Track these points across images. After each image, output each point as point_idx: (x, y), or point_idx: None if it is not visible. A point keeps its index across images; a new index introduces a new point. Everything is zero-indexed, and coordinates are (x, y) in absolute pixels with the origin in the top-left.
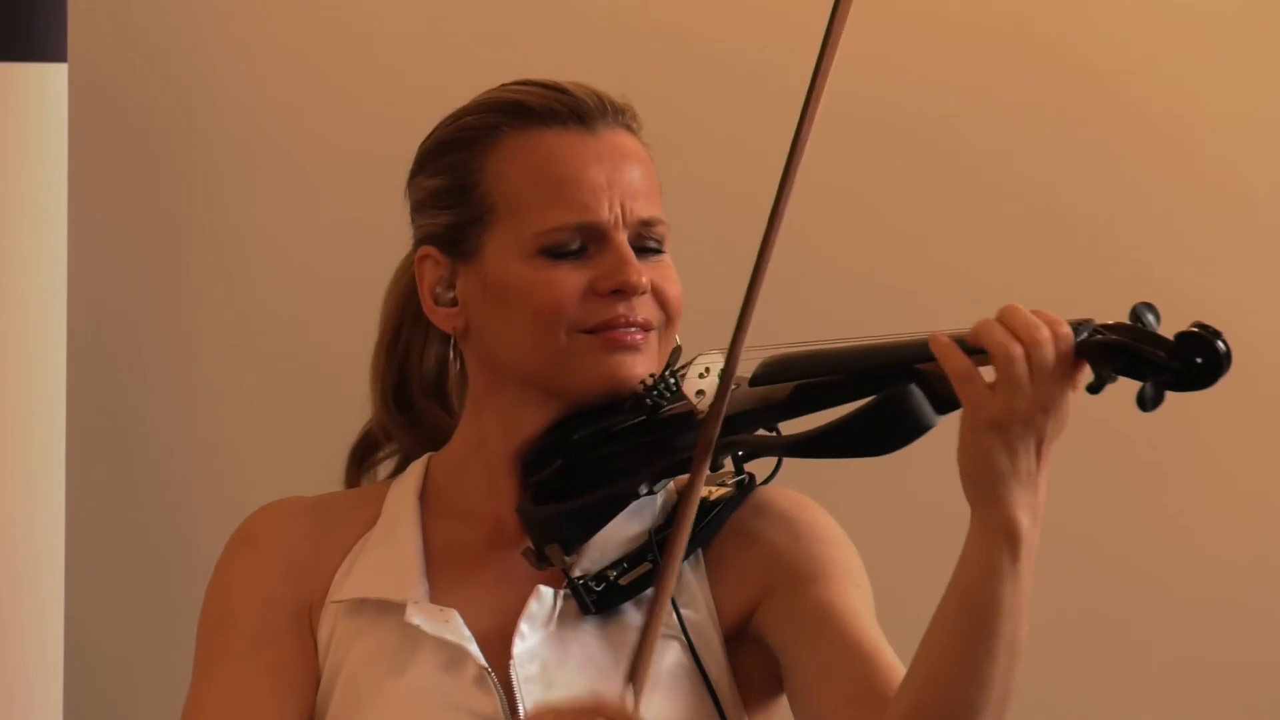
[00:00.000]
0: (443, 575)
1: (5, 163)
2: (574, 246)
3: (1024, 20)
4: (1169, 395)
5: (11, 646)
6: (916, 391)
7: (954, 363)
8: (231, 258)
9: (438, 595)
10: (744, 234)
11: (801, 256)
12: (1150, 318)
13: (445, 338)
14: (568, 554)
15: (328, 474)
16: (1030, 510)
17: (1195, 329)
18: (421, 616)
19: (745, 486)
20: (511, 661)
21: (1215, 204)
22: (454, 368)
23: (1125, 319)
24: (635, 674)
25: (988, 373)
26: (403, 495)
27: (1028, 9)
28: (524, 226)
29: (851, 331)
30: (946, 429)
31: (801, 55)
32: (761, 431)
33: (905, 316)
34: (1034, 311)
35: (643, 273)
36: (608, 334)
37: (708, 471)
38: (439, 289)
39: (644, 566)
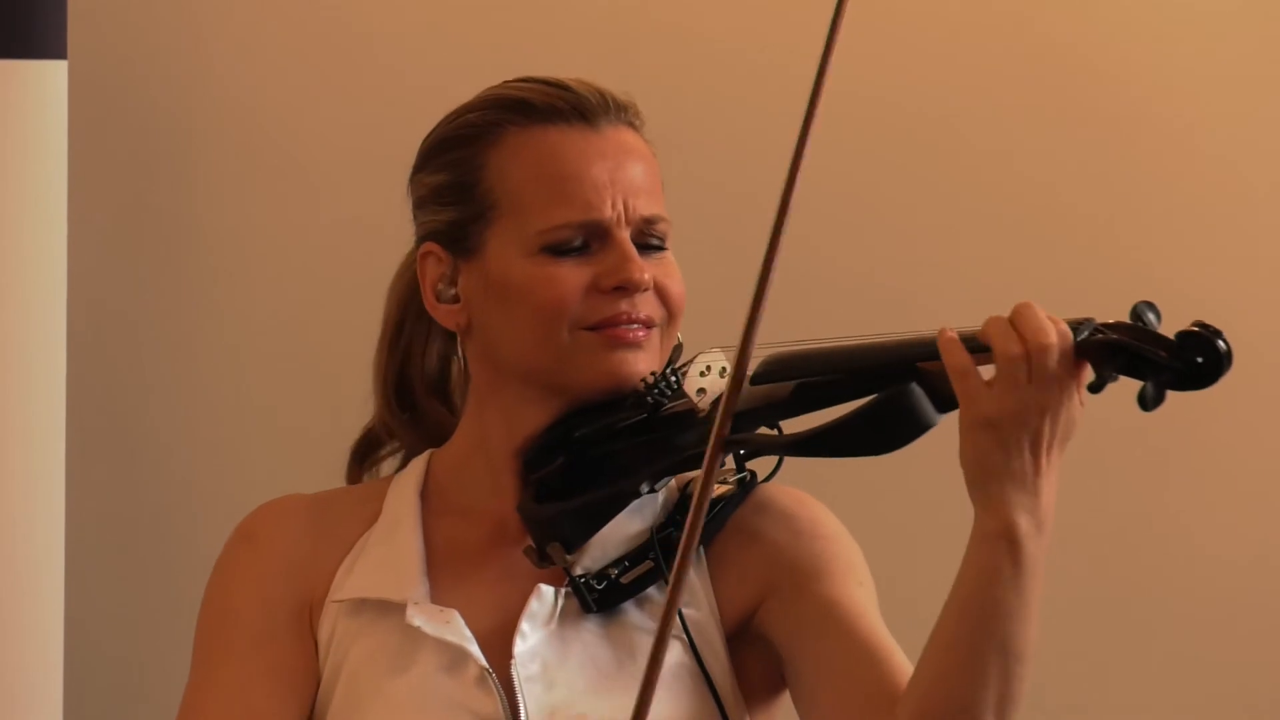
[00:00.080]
0: (444, 574)
1: (5, 160)
2: (576, 244)
3: (1025, 20)
4: (1170, 394)
5: (11, 646)
6: (918, 390)
7: (953, 357)
8: (231, 256)
9: (438, 594)
10: (745, 233)
11: (803, 255)
12: (1151, 317)
13: (447, 335)
14: (569, 552)
15: (328, 473)
16: (1030, 514)
17: (1196, 328)
18: (422, 618)
19: (747, 484)
20: (512, 661)
21: (1215, 203)
22: (456, 365)
23: (1126, 318)
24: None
25: (989, 371)
26: (404, 493)
27: (1028, 9)
28: (527, 224)
29: (853, 330)
30: (951, 427)
31: (804, 54)
32: (763, 430)
33: (906, 315)
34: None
35: (645, 270)
36: (610, 331)
37: (718, 472)
38: (441, 286)
39: (645, 565)
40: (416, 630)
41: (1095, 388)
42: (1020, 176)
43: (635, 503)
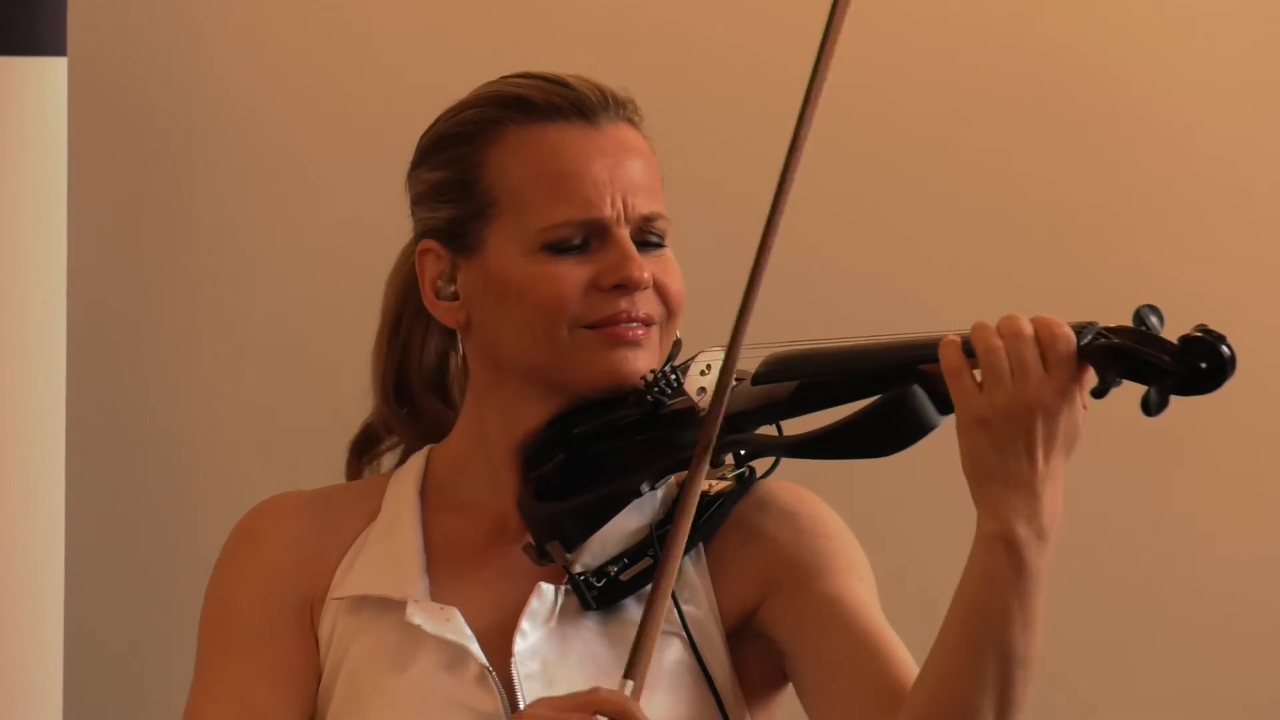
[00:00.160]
0: (443, 571)
1: (4, 157)
2: (576, 242)
3: (1025, 19)
4: (1173, 398)
5: (11, 645)
6: (919, 392)
7: (947, 358)
8: (231, 253)
9: (438, 591)
10: (746, 231)
11: (802, 254)
12: (1154, 320)
13: (446, 330)
14: (569, 551)
15: (328, 471)
16: (1029, 520)
17: (1199, 334)
18: (422, 616)
19: (745, 480)
20: (512, 659)
21: (1217, 203)
22: (454, 360)
23: (1129, 321)
24: (634, 665)
25: None
26: (403, 489)
27: (1029, 8)
28: (526, 222)
29: (852, 329)
30: (951, 428)
31: (803, 52)
32: (763, 430)
33: (906, 315)
34: (1036, 316)
35: (645, 268)
36: (609, 329)
37: (706, 469)
38: (440, 283)
39: (645, 562)
40: (416, 628)
41: (1098, 393)
42: (1022, 175)
43: (635, 500)
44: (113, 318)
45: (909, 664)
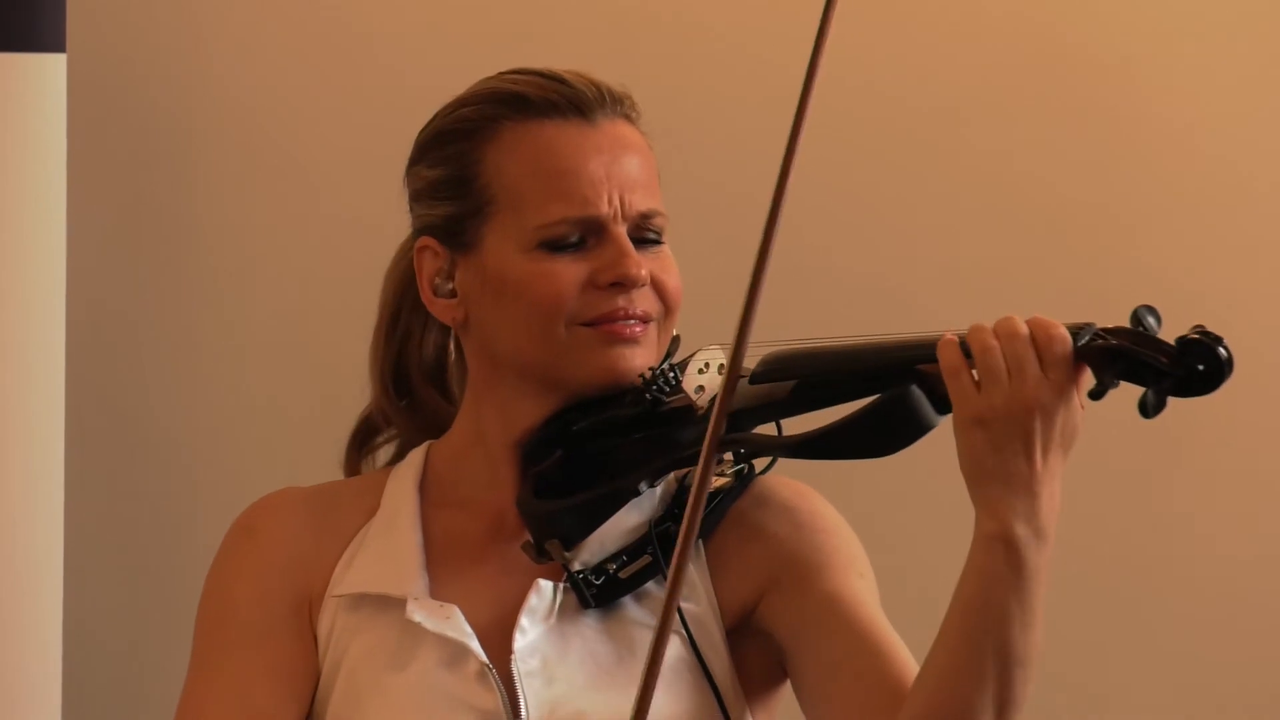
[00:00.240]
0: (442, 567)
1: (4, 154)
2: (573, 239)
3: (1025, 18)
4: (1170, 400)
5: (10, 643)
6: (918, 392)
7: (946, 357)
8: (231, 250)
9: (437, 588)
10: (746, 229)
11: (803, 253)
12: (1151, 321)
13: (444, 325)
14: (568, 549)
15: (328, 470)
16: (1027, 520)
17: (1197, 335)
18: (422, 613)
19: (745, 476)
20: (512, 656)
21: (1217, 203)
22: (452, 354)
23: (1126, 320)
24: (642, 704)
25: None
26: (402, 485)
27: (1028, 7)
28: (523, 220)
29: (852, 328)
30: (950, 427)
31: (802, 48)
32: (762, 429)
33: (906, 314)
34: (1032, 318)
35: (642, 265)
36: (607, 327)
37: (712, 471)
38: (438, 280)
39: (644, 559)
40: (416, 626)
41: (1096, 395)
42: (1022, 173)
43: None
44: (112, 315)
45: (909, 662)
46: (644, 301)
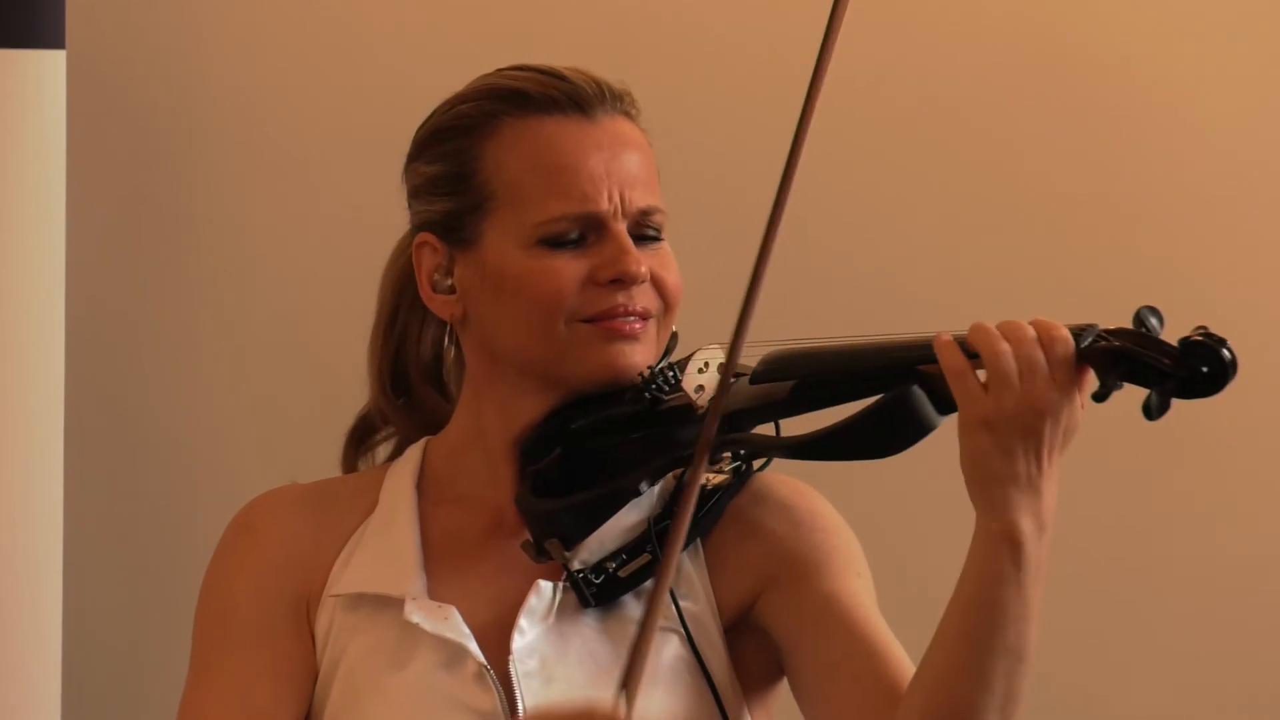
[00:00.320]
0: (441, 566)
1: (3, 151)
2: (573, 236)
3: (1025, 17)
4: (1174, 402)
5: (10, 643)
6: (919, 393)
7: (950, 360)
8: (230, 247)
9: (435, 587)
10: (747, 227)
11: (803, 252)
12: (1154, 321)
13: (442, 322)
14: (567, 549)
15: (327, 469)
16: (1033, 516)
17: (1200, 337)
18: (420, 614)
19: (743, 473)
20: (510, 657)
21: (1221, 202)
22: (451, 351)
23: (1129, 321)
24: (629, 680)
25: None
26: (400, 483)
27: (1030, 6)
28: (523, 216)
29: (852, 326)
30: (953, 426)
31: (807, 47)
32: (761, 429)
33: (906, 312)
34: (1035, 320)
35: (641, 261)
36: (606, 323)
37: (704, 470)
38: (437, 276)
39: (643, 558)
40: (414, 626)
41: (1099, 397)
42: (1025, 172)
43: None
44: (111, 313)
45: (905, 663)
46: (643, 298)
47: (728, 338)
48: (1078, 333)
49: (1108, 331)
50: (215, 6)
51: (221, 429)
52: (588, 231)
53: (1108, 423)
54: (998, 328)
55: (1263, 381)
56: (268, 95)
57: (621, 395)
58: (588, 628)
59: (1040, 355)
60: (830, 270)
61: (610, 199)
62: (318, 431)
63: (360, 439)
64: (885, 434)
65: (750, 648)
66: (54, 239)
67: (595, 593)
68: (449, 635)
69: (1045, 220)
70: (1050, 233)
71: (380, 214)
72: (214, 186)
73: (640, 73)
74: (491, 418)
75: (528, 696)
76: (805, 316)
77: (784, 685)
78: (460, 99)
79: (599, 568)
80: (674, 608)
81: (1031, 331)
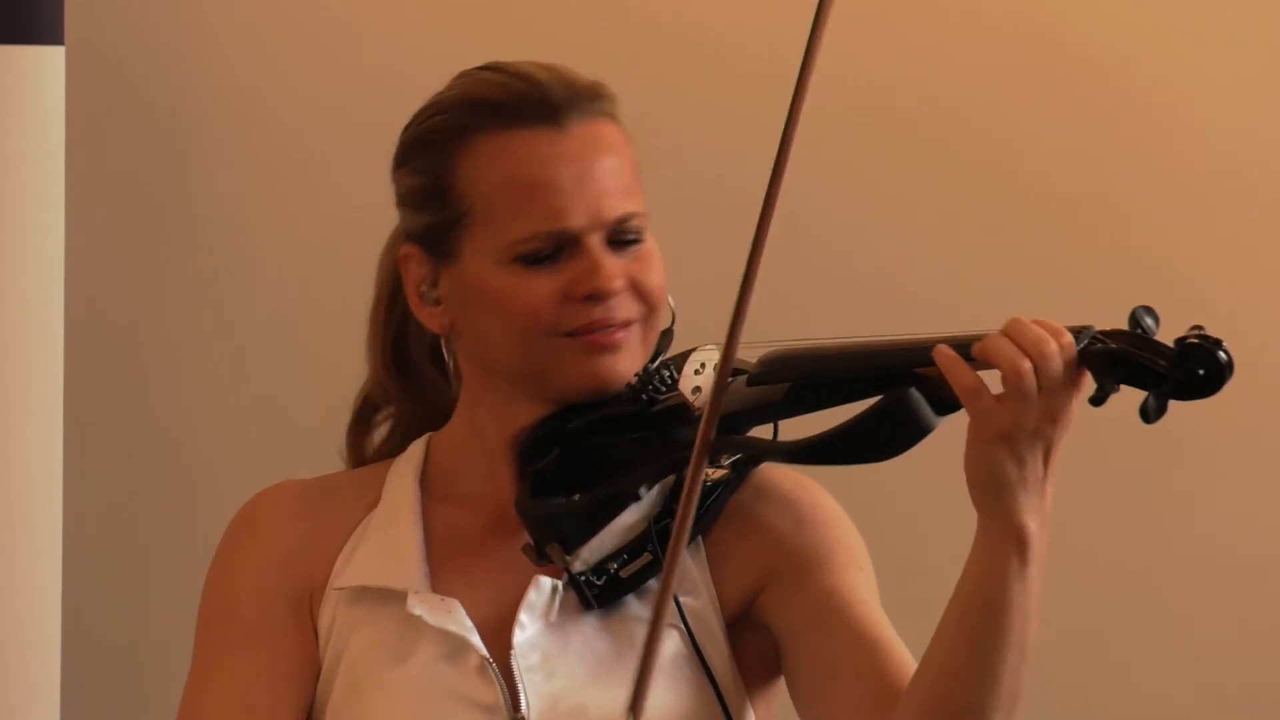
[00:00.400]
0: (443, 562)
1: (2, 148)
2: (547, 253)
3: (1025, 17)
4: (1170, 404)
5: (9, 642)
6: (916, 395)
7: (961, 379)
8: (230, 244)
9: (438, 582)
10: (744, 226)
11: (799, 251)
12: (1149, 321)
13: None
14: (568, 553)
15: (327, 466)
16: (1038, 515)
17: (1196, 339)
18: (423, 607)
19: (743, 468)
20: (512, 651)
21: (1217, 201)
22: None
23: (1124, 320)
24: (636, 702)
25: (989, 378)
26: (403, 478)
27: (1029, 6)
28: (497, 234)
29: (848, 325)
30: (950, 425)
31: (802, 44)
32: (757, 431)
33: (903, 311)
34: (1036, 321)
35: (615, 276)
36: (587, 337)
37: (702, 479)
38: (424, 288)
39: (644, 558)
40: (417, 619)
41: (1097, 401)
42: (1019, 172)
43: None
44: (110, 310)
45: (907, 659)
46: (623, 308)
47: (724, 337)
48: (1074, 335)
49: (1103, 333)
50: (215, 3)
51: (221, 429)
52: (562, 246)
53: (1106, 423)
54: (1013, 339)
55: (1261, 381)
56: (267, 92)
57: (618, 396)
58: (589, 625)
59: (1059, 368)
60: (827, 269)
61: (582, 213)
62: (318, 431)
63: (363, 420)
64: (883, 437)
65: (752, 642)
66: (53, 236)
67: (597, 594)
68: (451, 628)
69: (1043, 219)
70: (1049, 232)
71: (380, 212)
72: (214, 184)
73: (635, 70)
74: (488, 420)
75: (530, 690)
76: (802, 316)
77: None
78: (435, 108)
79: (600, 569)
80: (675, 604)
81: (1054, 346)
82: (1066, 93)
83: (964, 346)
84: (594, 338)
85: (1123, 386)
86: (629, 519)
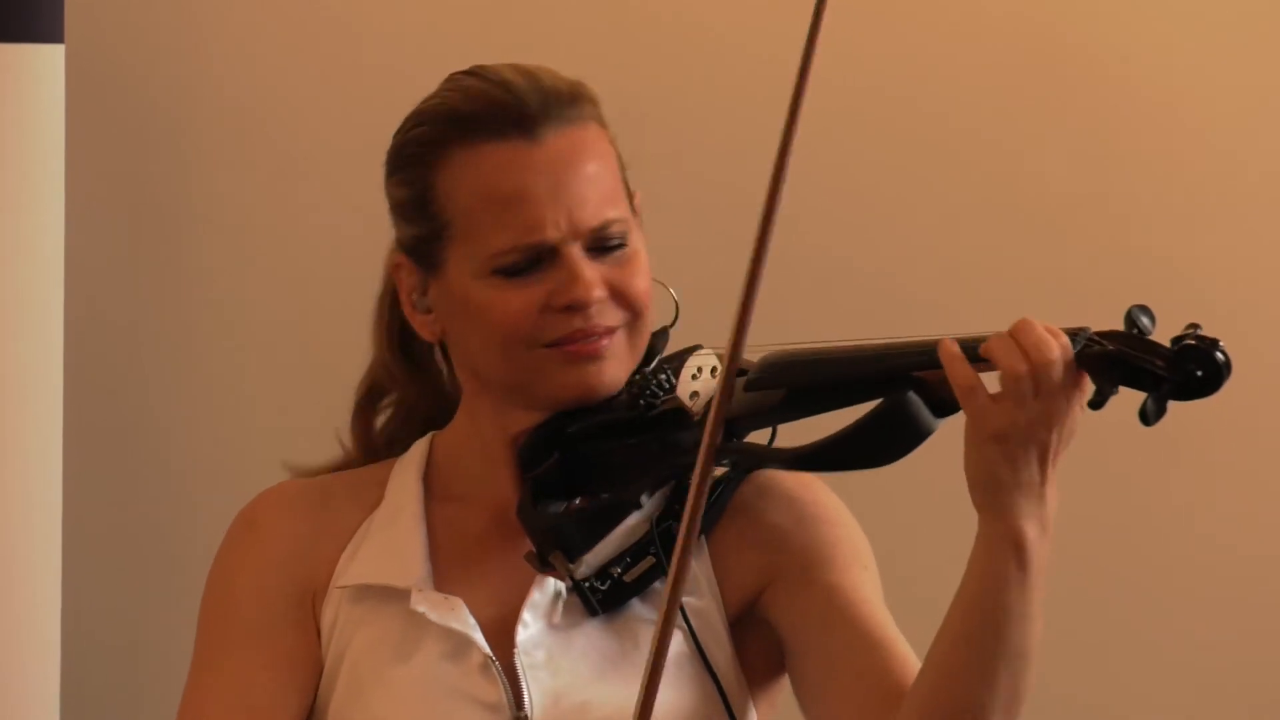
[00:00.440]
0: (446, 561)
1: (2, 146)
2: (525, 265)
3: (1025, 17)
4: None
5: (9, 642)
6: (915, 399)
7: (959, 375)
8: (229, 241)
9: (441, 581)
10: (744, 226)
11: (799, 253)
12: (1145, 321)
13: None
14: (571, 562)
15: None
16: (1037, 520)
17: (1192, 341)
18: (426, 605)
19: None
20: (516, 649)
21: (1216, 200)
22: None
23: (1120, 319)
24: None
25: (989, 380)
26: (406, 477)
27: (1029, 6)
28: (476, 247)
29: (847, 326)
30: (951, 425)
31: (801, 43)
32: (758, 434)
33: (902, 311)
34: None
35: (594, 285)
36: (569, 347)
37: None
38: (415, 296)
39: (647, 560)
40: (420, 617)
41: (1096, 404)
42: (1018, 172)
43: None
44: (110, 308)
45: (910, 658)
46: (605, 315)
47: (722, 338)
48: (1070, 336)
49: (1099, 334)
50: (215, 2)
51: (221, 429)
52: (541, 258)
53: (1104, 424)
54: (1017, 341)
55: (1259, 380)
56: (267, 91)
57: (616, 401)
58: (592, 626)
59: (1059, 375)
60: (826, 271)
61: (559, 224)
62: (318, 431)
63: (369, 404)
64: (883, 442)
65: (755, 640)
66: (53, 233)
67: (601, 599)
68: (455, 626)
69: (1043, 219)
70: (1048, 232)
71: (379, 212)
72: (213, 182)
73: (635, 70)
74: (487, 423)
75: (533, 688)
76: (801, 317)
77: (788, 677)
78: (417, 118)
79: (603, 573)
80: (678, 613)
81: (1055, 352)
82: (1066, 93)
83: (971, 346)
84: (576, 347)
85: (1121, 389)
86: (631, 521)
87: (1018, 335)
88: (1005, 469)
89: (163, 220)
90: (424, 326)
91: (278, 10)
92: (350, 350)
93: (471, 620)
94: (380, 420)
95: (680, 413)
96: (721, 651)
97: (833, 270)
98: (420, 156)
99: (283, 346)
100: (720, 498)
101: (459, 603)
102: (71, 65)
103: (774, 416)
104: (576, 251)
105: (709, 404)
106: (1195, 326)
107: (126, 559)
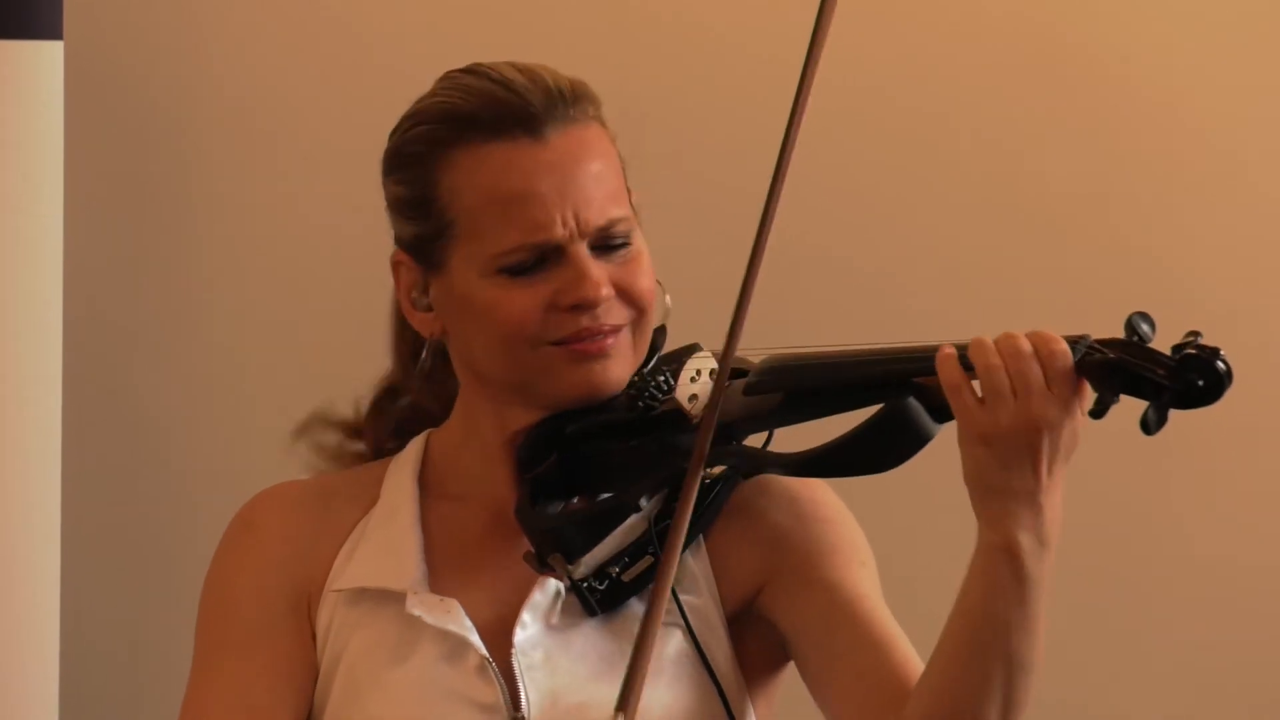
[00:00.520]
0: (442, 561)
1: (1, 143)
2: (531, 264)
3: (1025, 17)
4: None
5: (7, 643)
6: (915, 404)
7: (947, 374)
8: (228, 239)
9: (437, 582)
10: (744, 226)
11: (798, 255)
12: (1145, 328)
13: None
14: (570, 563)
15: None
16: (1032, 531)
17: (1193, 349)
18: (422, 608)
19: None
20: (513, 650)
21: (1216, 201)
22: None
23: (1120, 325)
24: (626, 700)
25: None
26: (402, 478)
27: (1029, 6)
28: (481, 247)
29: (847, 328)
30: (952, 432)
31: (804, 45)
32: (756, 437)
33: (902, 314)
34: (1032, 332)
35: (601, 284)
36: (575, 346)
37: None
38: (415, 294)
39: (645, 560)
40: (416, 619)
41: (1097, 413)
42: (1019, 173)
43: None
44: (109, 305)
45: (909, 655)
46: (611, 314)
47: (722, 338)
48: (1070, 345)
49: (1099, 342)
50: (214, 0)
51: (220, 429)
52: (547, 257)
53: (1103, 428)
54: (995, 342)
55: (1259, 385)
56: (267, 90)
57: (615, 402)
58: (590, 626)
59: (1035, 370)
60: (826, 272)
61: (565, 223)
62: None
63: (383, 406)
64: (883, 447)
65: (754, 639)
66: (52, 230)
67: (600, 599)
68: (451, 628)
69: (1043, 221)
70: (1048, 234)
71: (379, 212)
72: (213, 180)
73: (635, 70)
74: (485, 422)
75: (531, 689)
76: (800, 319)
77: (786, 674)
78: (416, 118)
79: (601, 573)
80: (675, 602)
81: (1027, 346)
82: (1067, 94)
83: (963, 354)
84: (582, 346)
85: (1122, 397)
86: (629, 521)
87: (999, 338)
88: (995, 473)
89: (162, 218)
90: (423, 324)
91: (278, 9)
92: (350, 350)
93: (468, 622)
94: (393, 421)
95: (679, 415)
96: (720, 650)
97: (833, 271)
98: (422, 155)
99: (282, 346)
100: (718, 496)
101: (455, 604)
102: (70, 62)
103: (773, 420)
104: (583, 250)
105: (706, 407)
106: (1196, 334)
107: (125, 559)
